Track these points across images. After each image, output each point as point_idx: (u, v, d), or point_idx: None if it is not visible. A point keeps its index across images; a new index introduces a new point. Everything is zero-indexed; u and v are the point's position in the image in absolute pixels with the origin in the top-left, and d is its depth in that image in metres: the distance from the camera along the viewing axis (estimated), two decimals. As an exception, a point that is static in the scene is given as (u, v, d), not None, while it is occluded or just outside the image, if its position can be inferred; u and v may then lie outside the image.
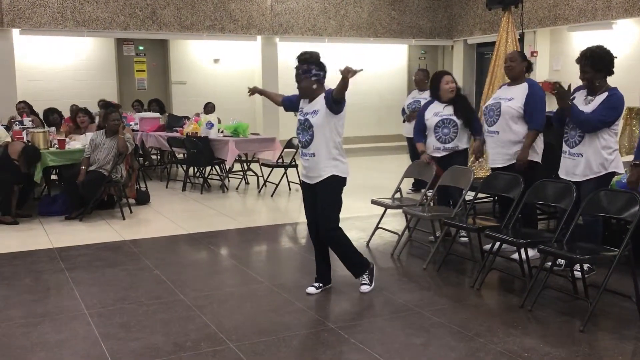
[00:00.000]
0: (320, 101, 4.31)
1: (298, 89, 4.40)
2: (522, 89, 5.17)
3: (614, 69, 4.63)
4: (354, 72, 4.01)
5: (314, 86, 4.32)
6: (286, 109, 4.77)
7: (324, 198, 4.39)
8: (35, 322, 4.05)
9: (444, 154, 5.57)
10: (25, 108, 9.07)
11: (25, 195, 7.32)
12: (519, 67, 5.26)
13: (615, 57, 4.64)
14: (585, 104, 4.62)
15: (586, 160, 4.55)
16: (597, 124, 4.50)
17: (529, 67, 5.36)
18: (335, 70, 4.40)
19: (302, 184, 4.60)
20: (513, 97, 5.18)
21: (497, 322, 3.96)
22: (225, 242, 6.38)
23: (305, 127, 4.36)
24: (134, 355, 3.54)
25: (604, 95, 4.54)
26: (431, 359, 3.49)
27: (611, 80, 4.71)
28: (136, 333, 3.86)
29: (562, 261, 4.62)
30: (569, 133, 4.67)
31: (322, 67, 4.36)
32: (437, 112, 5.58)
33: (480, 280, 4.63)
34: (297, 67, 4.36)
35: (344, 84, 4.10)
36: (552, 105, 4.89)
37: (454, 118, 5.51)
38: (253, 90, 4.88)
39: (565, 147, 4.72)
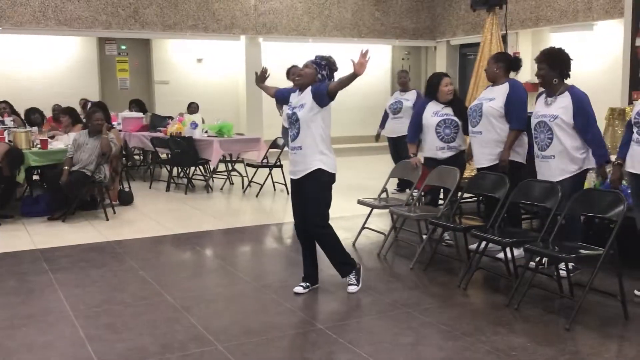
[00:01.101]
0: (307, 94, 4.33)
1: (298, 76, 4.40)
2: (503, 89, 5.22)
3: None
4: (365, 64, 4.17)
5: (314, 78, 4.34)
6: (278, 102, 4.82)
7: (311, 193, 4.36)
8: (20, 324, 4.00)
9: (449, 154, 5.53)
10: (6, 108, 8.95)
11: (7, 196, 7.22)
12: (491, 70, 5.33)
13: (572, 59, 4.70)
14: (546, 105, 4.68)
15: (559, 160, 4.61)
16: (597, 132, 4.57)
17: (513, 66, 5.39)
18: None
19: (290, 182, 4.58)
20: (494, 97, 5.23)
21: (484, 321, 3.98)
22: (210, 242, 6.36)
23: (293, 120, 4.39)
24: (120, 357, 3.50)
25: (566, 96, 4.59)
26: (420, 358, 3.51)
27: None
28: (122, 334, 3.82)
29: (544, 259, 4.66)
30: (538, 137, 4.72)
31: (330, 75, 4.41)
32: (437, 112, 5.57)
33: (466, 279, 4.65)
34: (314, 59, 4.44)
35: (349, 81, 4.15)
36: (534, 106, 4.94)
37: (455, 118, 5.52)
38: (262, 75, 4.80)
39: (537, 151, 4.77)
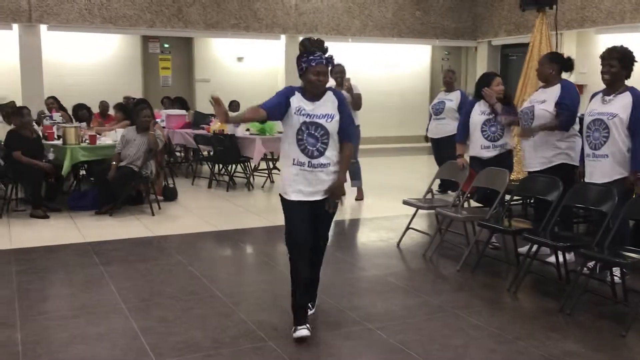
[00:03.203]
0: (331, 103, 3.72)
1: (318, 82, 3.63)
2: (555, 91, 5.13)
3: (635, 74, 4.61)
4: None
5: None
6: (275, 118, 3.74)
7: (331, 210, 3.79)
8: (72, 315, 4.08)
9: (494, 153, 5.46)
10: (54, 103, 9.17)
11: (56, 190, 7.38)
12: (546, 71, 5.22)
13: (637, 61, 4.61)
14: (603, 103, 4.58)
15: (612, 160, 4.50)
16: None
17: (566, 67, 5.30)
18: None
19: (299, 204, 3.74)
20: (546, 100, 5.14)
21: (536, 326, 3.93)
22: (254, 239, 6.40)
23: (318, 134, 3.64)
24: (174, 350, 3.55)
25: (627, 95, 4.48)
26: (473, 361, 3.48)
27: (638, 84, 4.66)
28: (175, 328, 3.87)
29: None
30: (591, 135, 4.62)
31: None
32: (484, 111, 5.54)
33: (516, 283, 4.59)
34: (319, 55, 3.64)
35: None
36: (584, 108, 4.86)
37: None
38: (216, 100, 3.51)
39: (588, 150, 4.66)
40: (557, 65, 5.19)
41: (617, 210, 4.21)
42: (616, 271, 4.36)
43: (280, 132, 9.57)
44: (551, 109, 5.06)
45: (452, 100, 8.27)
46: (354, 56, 13.15)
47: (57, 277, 4.93)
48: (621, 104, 4.49)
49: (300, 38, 3.87)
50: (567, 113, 5.02)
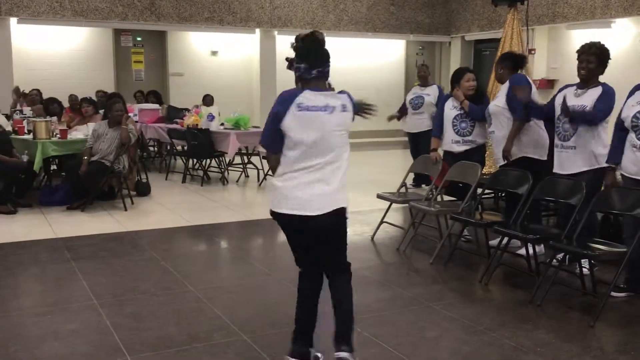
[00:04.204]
0: None
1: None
2: (505, 87, 5.27)
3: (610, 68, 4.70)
4: None
5: None
6: None
7: (342, 234, 3.34)
8: (45, 312, 4.03)
9: (464, 148, 5.54)
10: (37, 95, 9.06)
11: (26, 185, 7.28)
12: (496, 72, 5.45)
13: (611, 59, 4.70)
14: (575, 97, 4.66)
15: (580, 153, 4.57)
16: (601, 121, 4.54)
17: (518, 63, 5.39)
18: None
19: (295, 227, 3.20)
20: (499, 96, 5.32)
21: (507, 317, 3.99)
22: (229, 234, 6.38)
23: None
24: (147, 346, 3.53)
25: (598, 89, 4.56)
26: (446, 352, 3.52)
27: (611, 79, 4.74)
28: (148, 323, 3.85)
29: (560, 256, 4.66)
30: (561, 126, 4.69)
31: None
32: (455, 106, 5.61)
33: (488, 275, 4.65)
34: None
35: None
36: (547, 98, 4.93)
37: None
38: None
39: (557, 141, 4.74)
40: (508, 62, 5.35)
41: (585, 203, 4.29)
42: (585, 263, 4.44)
43: (255, 127, 9.60)
44: (502, 103, 5.20)
45: (430, 95, 8.34)
46: (328, 50, 13.13)
47: (28, 274, 4.86)
48: (592, 97, 4.57)
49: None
50: (518, 108, 5.05)
